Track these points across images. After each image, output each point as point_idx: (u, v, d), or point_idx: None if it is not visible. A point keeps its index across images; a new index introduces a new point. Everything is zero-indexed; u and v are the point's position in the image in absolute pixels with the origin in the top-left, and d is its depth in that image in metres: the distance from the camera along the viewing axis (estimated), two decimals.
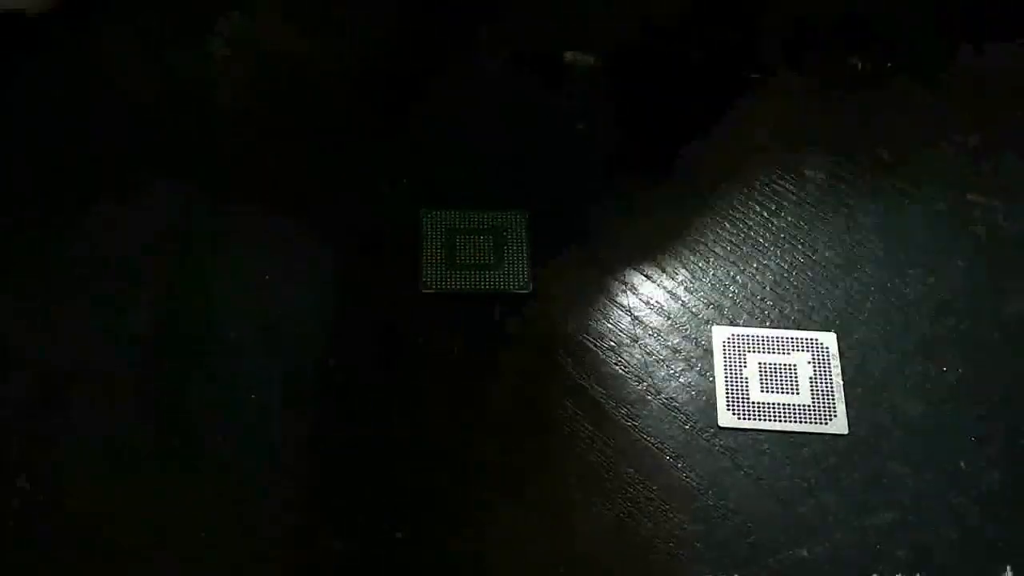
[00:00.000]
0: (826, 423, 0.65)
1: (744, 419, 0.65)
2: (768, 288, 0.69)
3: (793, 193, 0.72)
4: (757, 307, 0.68)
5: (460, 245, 0.69)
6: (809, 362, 0.67)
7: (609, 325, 0.68)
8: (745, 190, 0.72)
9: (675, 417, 0.65)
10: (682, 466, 0.63)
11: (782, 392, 0.65)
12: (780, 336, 0.67)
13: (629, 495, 0.62)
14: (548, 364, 0.66)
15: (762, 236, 0.71)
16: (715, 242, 0.71)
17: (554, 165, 0.73)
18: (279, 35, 0.76)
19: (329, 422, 0.64)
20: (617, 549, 0.61)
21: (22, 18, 0.74)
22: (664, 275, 0.69)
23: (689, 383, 0.66)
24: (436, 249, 0.69)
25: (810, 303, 0.69)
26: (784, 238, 0.71)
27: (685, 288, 0.69)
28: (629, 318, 0.68)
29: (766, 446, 0.64)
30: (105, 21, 0.76)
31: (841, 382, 0.66)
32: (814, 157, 0.74)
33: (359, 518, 0.61)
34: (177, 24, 0.77)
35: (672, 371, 0.66)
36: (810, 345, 0.67)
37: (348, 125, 0.74)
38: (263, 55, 0.71)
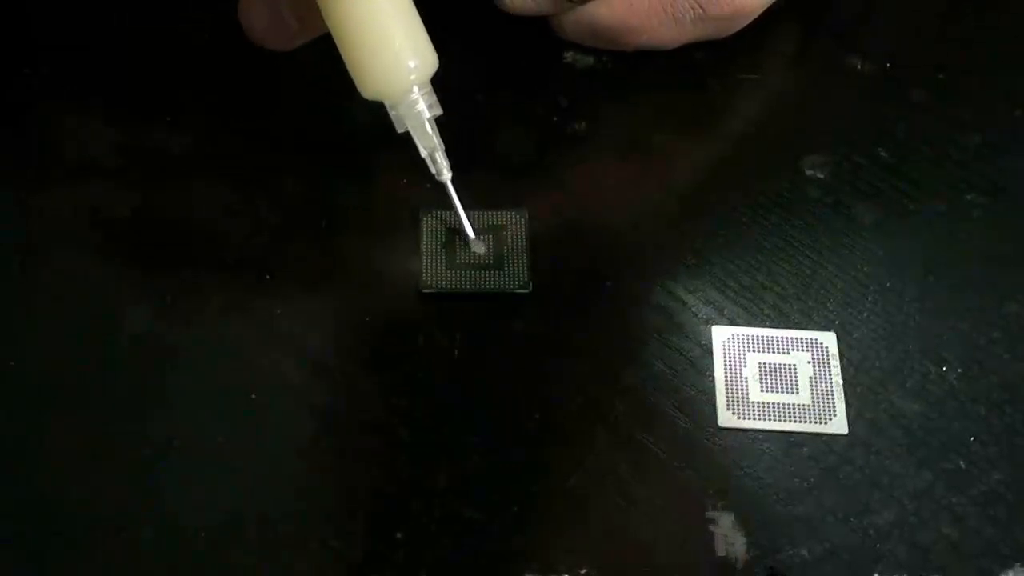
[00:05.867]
0: (826, 423, 0.65)
1: (744, 419, 0.65)
2: (768, 288, 0.69)
3: (793, 193, 0.72)
4: (757, 307, 0.68)
5: (460, 245, 0.69)
6: (809, 362, 0.66)
7: (609, 325, 0.67)
8: (745, 190, 0.72)
9: (675, 417, 0.65)
10: (682, 466, 0.63)
11: (782, 392, 0.65)
12: (780, 336, 0.67)
13: (629, 495, 0.62)
14: (548, 365, 0.66)
15: (762, 236, 0.71)
16: (715, 242, 0.71)
17: (554, 165, 0.73)
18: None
19: (328, 422, 0.64)
20: (617, 550, 0.61)
21: None
22: (664, 275, 0.69)
23: (689, 383, 0.66)
24: (436, 249, 0.69)
25: (810, 303, 0.69)
26: (784, 238, 0.71)
27: (685, 288, 0.69)
28: (628, 318, 0.68)
29: (766, 446, 0.64)
30: None
31: (841, 382, 0.66)
32: (814, 157, 0.74)
33: (359, 518, 0.61)
34: None
35: (672, 371, 0.66)
36: (810, 345, 0.67)
37: (347, 125, 0.74)
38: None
